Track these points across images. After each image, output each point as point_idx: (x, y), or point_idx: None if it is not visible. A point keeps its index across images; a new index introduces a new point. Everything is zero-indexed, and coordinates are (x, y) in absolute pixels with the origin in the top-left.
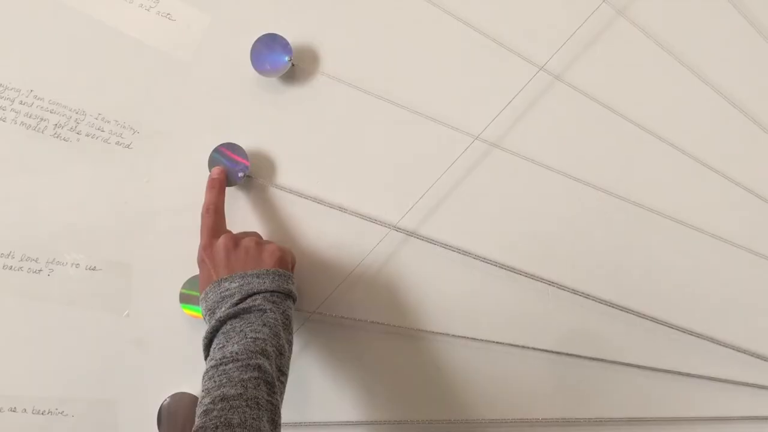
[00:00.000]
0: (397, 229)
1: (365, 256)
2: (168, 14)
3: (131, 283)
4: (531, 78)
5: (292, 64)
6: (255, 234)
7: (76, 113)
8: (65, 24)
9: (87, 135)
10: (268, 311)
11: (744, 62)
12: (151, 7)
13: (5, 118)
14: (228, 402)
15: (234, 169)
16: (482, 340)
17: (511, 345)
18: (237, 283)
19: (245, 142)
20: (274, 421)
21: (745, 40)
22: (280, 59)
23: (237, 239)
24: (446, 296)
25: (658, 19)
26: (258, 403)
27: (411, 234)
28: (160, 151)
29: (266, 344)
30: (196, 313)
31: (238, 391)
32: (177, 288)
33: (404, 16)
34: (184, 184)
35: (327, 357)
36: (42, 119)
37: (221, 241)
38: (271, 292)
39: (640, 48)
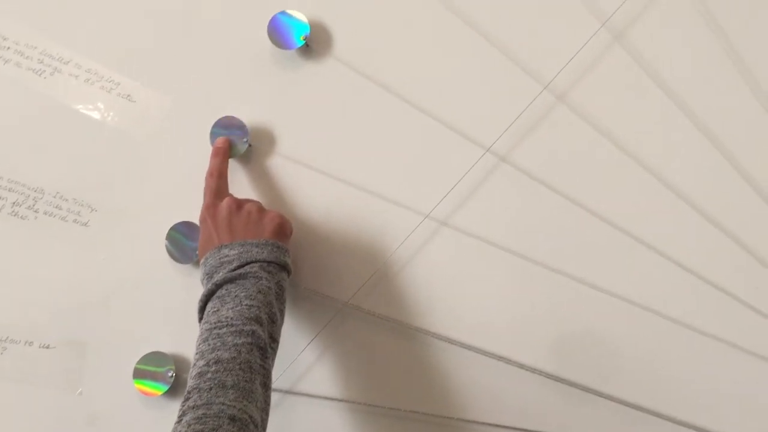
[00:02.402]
0: (351, 305)
1: (315, 334)
2: (128, 95)
3: (85, 360)
4: (478, 159)
5: (249, 145)
6: (257, 202)
7: (35, 191)
8: (25, 104)
9: (45, 213)
10: (264, 279)
11: (678, 146)
12: (111, 89)
13: None
14: (222, 365)
15: (190, 247)
16: (429, 414)
17: (463, 420)
18: (237, 251)
19: None
20: (266, 384)
21: (677, 123)
22: (237, 141)
23: (240, 203)
24: (395, 370)
25: (595, 105)
26: (251, 367)
27: (360, 309)
28: (117, 229)
29: (260, 311)
30: (149, 389)
31: (232, 355)
32: (131, 365)
33: (354, 99)
34: (140, 262)
35: None
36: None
37: (225, 202)
38: (268, 262)
39: (579, 131)
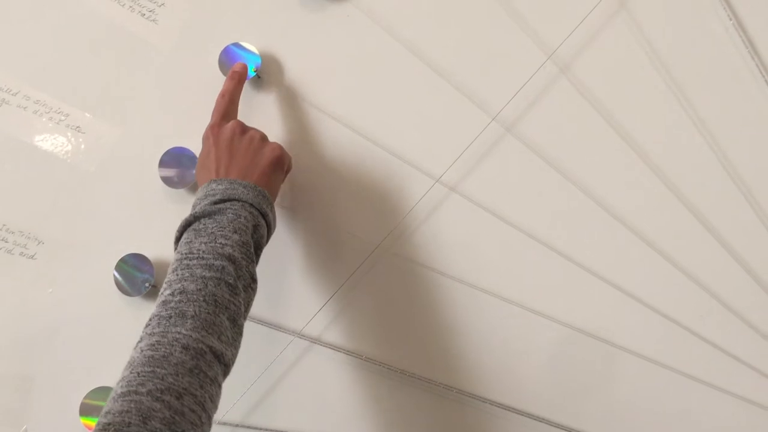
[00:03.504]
0: (302, 336)
1: (267, 365)
2: (78, 127)
3: (31, 396)
4: (428, 190)
5: None
6: (262, 131)
7: None
8: None
9: None
10: (242, 218)
11: (623, 177)
12: (60, 120)
13: None
14: (186, 295)
15: (139, 279)
16: None
17: None
18: (223, 186)
19: (151, 252)
20: (235, 321)
21: (622, 154)
22: (188, 173)
23: (245, 128)
24: (348, 402)
25: (542, 136)
26: (216, 301)
27: (315, 341)
28: (65, 261)
29: (233, 250)
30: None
31: (198, 287)
32: (78, 400)
33: (305, 130)
34: (89, 294)
35: None
36: None
37: (230, 124)
38: (251, 204)
39: (527, 162)
